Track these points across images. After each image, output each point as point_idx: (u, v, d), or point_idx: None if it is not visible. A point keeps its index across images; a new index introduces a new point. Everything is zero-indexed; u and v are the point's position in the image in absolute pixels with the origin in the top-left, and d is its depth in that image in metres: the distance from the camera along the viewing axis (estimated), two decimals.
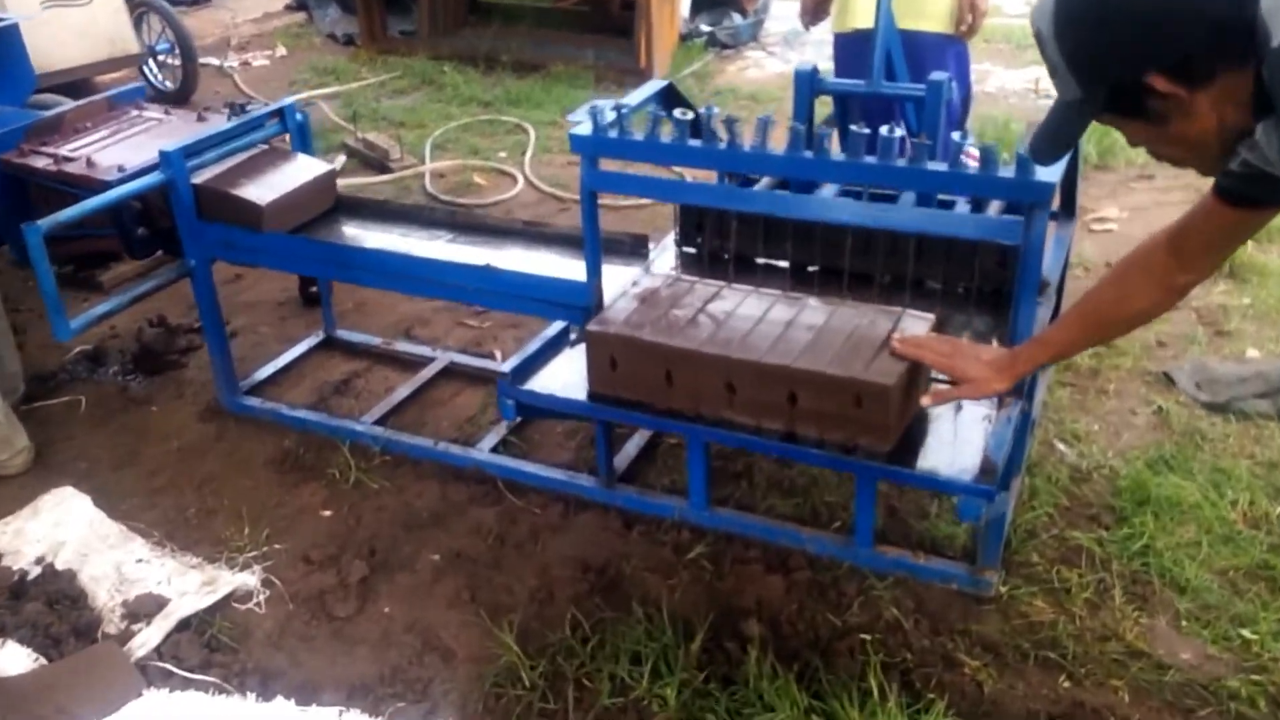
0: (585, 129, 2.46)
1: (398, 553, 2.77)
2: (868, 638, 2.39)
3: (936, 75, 2.76)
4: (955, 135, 2.17)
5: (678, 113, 2.36)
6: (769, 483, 2.88)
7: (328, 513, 2.93)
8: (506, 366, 2.41)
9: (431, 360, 3.59)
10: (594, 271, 2.61)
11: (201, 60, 7.10)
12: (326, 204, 3.34)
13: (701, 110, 2.35)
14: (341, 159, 5.44)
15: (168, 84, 6.67)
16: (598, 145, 2.46)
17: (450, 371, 3.56)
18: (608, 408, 2.35)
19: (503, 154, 5.53)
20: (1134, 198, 4.78)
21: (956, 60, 3.71)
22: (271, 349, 3.75)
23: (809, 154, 2.27)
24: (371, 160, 5.38)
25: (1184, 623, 2.42)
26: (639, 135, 2.42)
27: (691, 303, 2.39)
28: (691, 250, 3.01)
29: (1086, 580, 2.55)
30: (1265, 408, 3.21)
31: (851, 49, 3.79)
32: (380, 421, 3.26)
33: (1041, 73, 6.62)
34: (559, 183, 5.10)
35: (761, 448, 2.29)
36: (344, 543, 2.81)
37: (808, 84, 2.89)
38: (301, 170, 3.28)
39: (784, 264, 2.87)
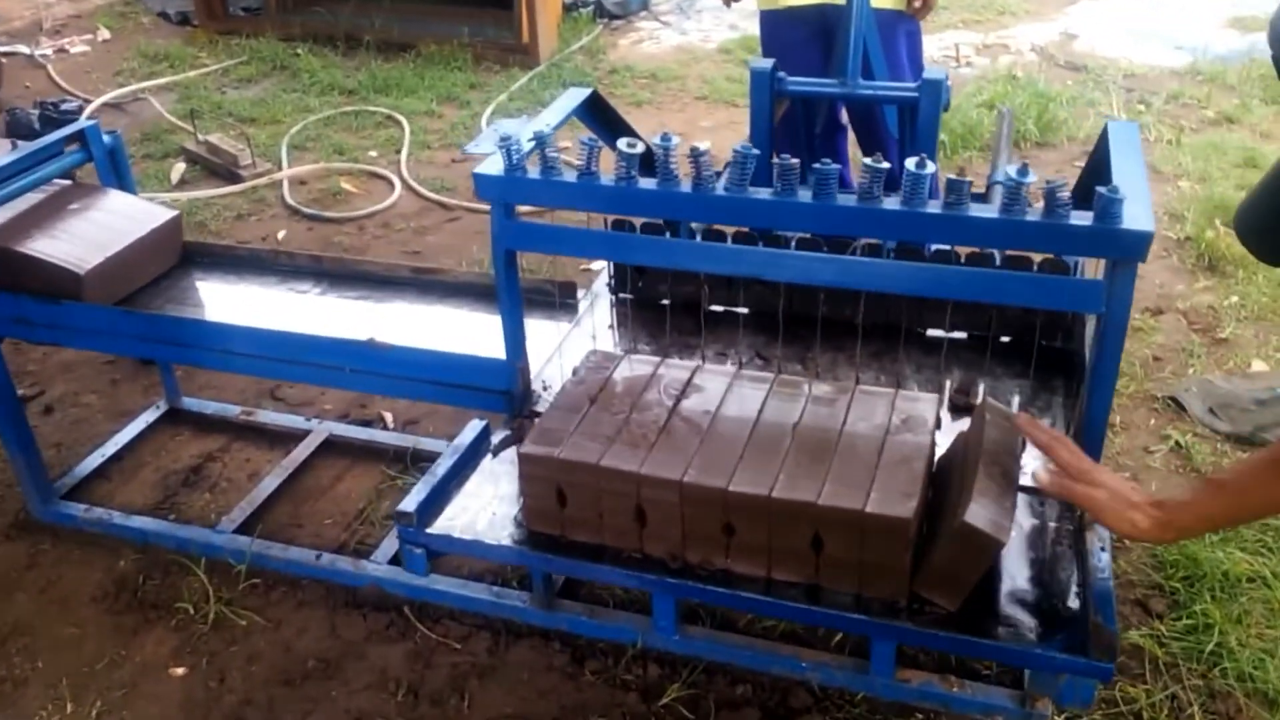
0: (494, 166, 1.82)
1: None
2: None
3: (932, 73, 2.19)
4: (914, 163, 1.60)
5: (624, 144, 1.73)
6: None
7: (180, 670, 2.23)
8: (409, 503, 1.75)
9: (306, 433, 2.90)
10: (515, 352, 1.98)
11: (7, 49, 6.11)
12: (169, 261, 2.61)
13: (656, 140, 1.72)
14: (181, 167, 4.61)
15: None
16: (513, 189, 1.82)
17: (331, 445, 2.88)
18: (554, 556, 1.73)
19: (373, 153, 4.77)
20: None
21: (908, 41, 3.16)
22: (99, 429, 2.98)
23: (806, 197, 1.67)
24: (218, 168, 4.57)
25: None
26: (569, 174, 1.79)
27: (659, 399, 1.78)
28: (629, 297, 2.40)
29: (1157, 699, 2.06)
30: None
31: (783, 30, 3.21)
32: (245, 527, 2.56)
33: (961, 38, 6.19)
34: (444, 185, 4.39)
35: (773, 612, 1.71)
36: (204, 717, 2.13)
37: (767, 85, 2.29)
38: (132, 220, 2.54)
39: (747, 310, 2.29)
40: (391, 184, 4.44)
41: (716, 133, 4.86)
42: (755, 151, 1.72)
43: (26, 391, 3.12)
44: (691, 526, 1.62)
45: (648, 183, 1.76)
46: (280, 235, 4.06)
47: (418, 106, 5.21)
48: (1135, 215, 1.57)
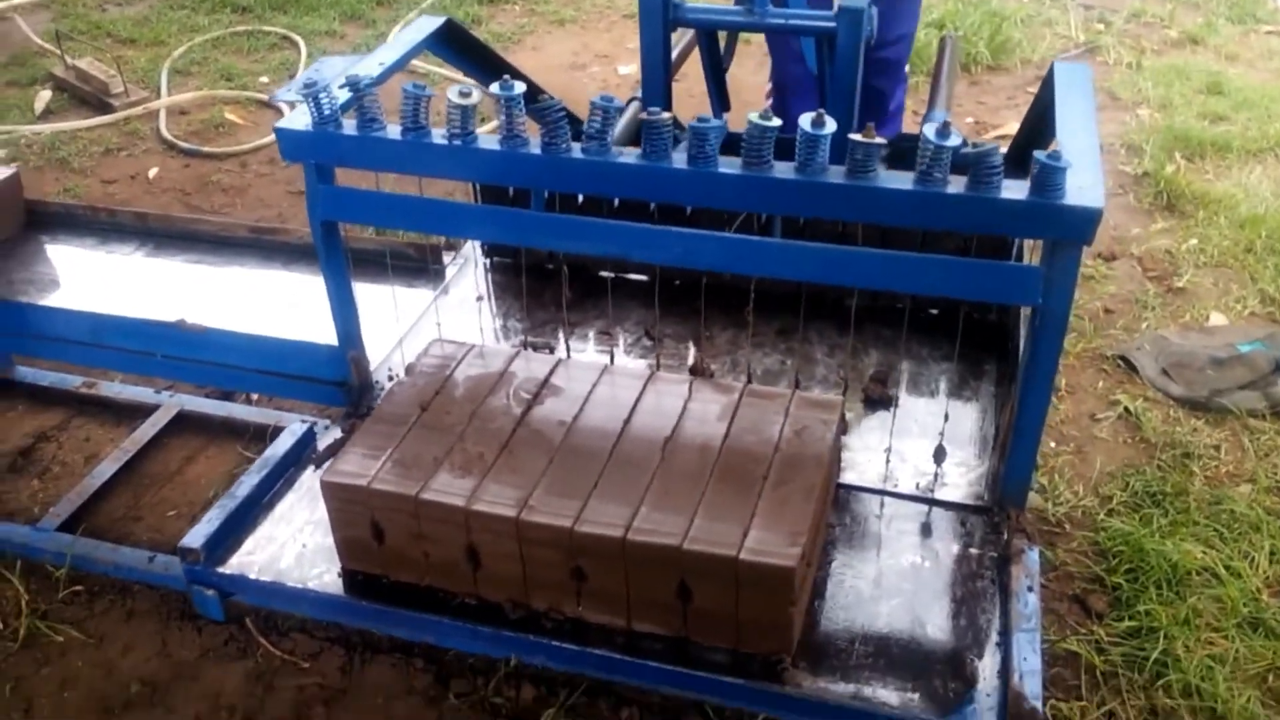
0: (301, 120, 1.48)
1: None
2: None
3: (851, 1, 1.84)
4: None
5: (456, 94, 1.39)
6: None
7: None
8: (195, 536, 1.44)
9: (155, 407, 2.56)
10: (348, 339, 1.66)
11: None
12: (5, 231, 2.26)
13: (496, 87, 1.38)
14: (46, 96, 4.15)
15: None
16: (324, 148, 1.48)
17: (184, 422, 2.54)
18: (373, 605, 1.43)
19: (265, 79, 4.34)
20: None
21: None
22: None
23: (679, 162, 1.35)
24: (88, 96, 4.12)
25: None
26: (393, 130, 1.45)
27: (506, 405, 1.47)
28: (506, 260, 2.08)
29: (1093, 718, 1.83)
30: (1254, 402, 2.55)
31: None
32: (70, 523, 2.24)
33: None
34: None
35: (632, 675, 1.43)
36: None
37: (660, 12, 1.94)
38: None
39: (642, 276, 1.98)
40: (282, 114, 4.02)
41: None
42: (619, 104, 1.39)
43: None
44: (534, 570, 1.33)
45: (488, 142, 1.43)
46: (151, 173, 3.65)
47: (318, 26, 4.75)
48: (1081, 188, 1.27)
